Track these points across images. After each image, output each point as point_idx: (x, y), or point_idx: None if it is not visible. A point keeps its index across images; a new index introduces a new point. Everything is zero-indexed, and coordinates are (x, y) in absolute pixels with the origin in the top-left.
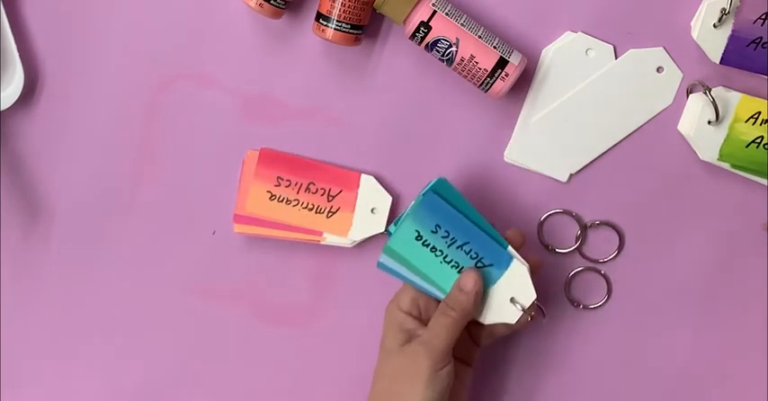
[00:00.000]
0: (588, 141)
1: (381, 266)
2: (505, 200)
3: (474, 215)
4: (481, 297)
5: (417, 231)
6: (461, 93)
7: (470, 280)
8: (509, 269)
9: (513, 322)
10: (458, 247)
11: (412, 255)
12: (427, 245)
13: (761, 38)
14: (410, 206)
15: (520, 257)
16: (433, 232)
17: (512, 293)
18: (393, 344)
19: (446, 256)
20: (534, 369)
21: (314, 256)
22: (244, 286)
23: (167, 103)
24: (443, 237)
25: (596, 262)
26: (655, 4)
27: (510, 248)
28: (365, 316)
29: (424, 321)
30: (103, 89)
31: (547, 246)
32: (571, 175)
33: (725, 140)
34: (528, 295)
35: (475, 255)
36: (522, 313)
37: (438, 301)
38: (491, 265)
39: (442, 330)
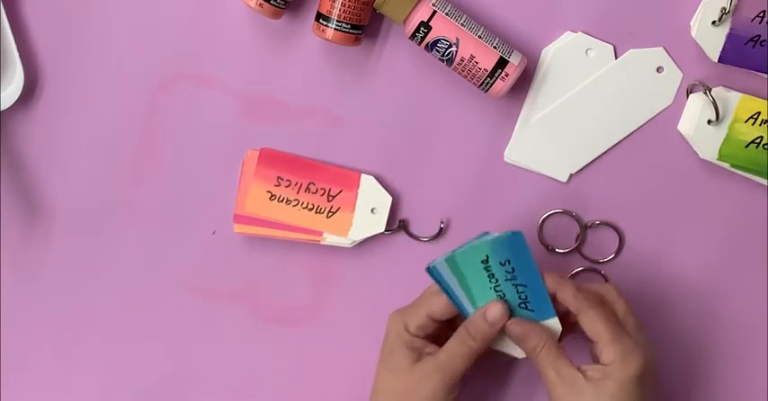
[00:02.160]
0: (588, 141)
1: (432, 270)
2: (505, 200)
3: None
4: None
5: (488, 256)
6: (461, 93)
7: (498, 312)
8: (545, 322)
9: (520, 357)
10: (513, 284)
11: (470, 273)
12: (488, 270)
13: (759, 35)
14: (491, 234)
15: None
16: (500, 264)
17: None
18: (402, 362)
19: (498, 286)
20: (534, 369)
21: (314, 256)
22: (244, 286)
23: (167, 103)
24: (507, 272)
25: (596, 262)
26: (654, 4)
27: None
28: (365, 315)
29: (431, 338)
30: (103, 89)
31: (547, 246)
32: (571, 175)
33: (724, 140)
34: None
35: (524, 297)
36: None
37: (449, 327)
38: (531, 311)
39: (459, 358)
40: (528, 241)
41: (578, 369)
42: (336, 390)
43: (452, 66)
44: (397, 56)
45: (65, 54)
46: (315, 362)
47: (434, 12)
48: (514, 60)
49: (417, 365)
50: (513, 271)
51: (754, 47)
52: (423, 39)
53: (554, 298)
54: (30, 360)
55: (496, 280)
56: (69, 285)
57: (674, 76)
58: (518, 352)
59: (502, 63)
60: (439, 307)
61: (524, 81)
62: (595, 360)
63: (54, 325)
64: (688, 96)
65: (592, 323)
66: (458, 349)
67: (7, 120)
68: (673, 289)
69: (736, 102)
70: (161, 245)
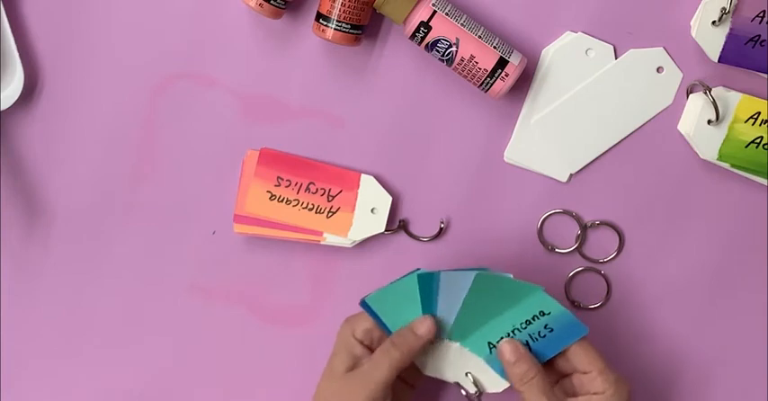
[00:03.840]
0: (588, 141)
1: (363, 304)
2: (505, 200)
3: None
4: (429, 343)
5: (550, 313)
6: (461, 93)
7: (425, 326)
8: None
9: (449, 381)
10: (527, 340)
11: (521, 306)
12: (535, 319)
13: (759, 35)
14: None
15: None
16: (545, 326)
17: (476, 373)
18: (338, 368)
19: (518, 329)
20: None
21: (314, 256)
22: (244, 286)
23: (167, 103)
24: (539, 333)
25: (596, 262)
26: (654, 4)
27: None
28: None
29: (373, 350)
30: (103, 89)
31: (547, 246)
32: (571, 175)
33: (724, 141)
34: (491, 386)
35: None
36: (454, 383)
37: None
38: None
39: (383, 367)
40: (528, 241)
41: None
42: None
43: (452, 67)
44: (397, 56)
45: (65, 54)
46: (314, 362)
47: (434, 12)
48: (514, 60)
49: (349, 373)
50: (543, 337)
51: (754, 47)
52: (423, 39)
53: None
54: (30, 360)
55: (524, 327)
56: (69, 285)
57: (674, 76)
58: (449, 377)
59: (502, 63)
60: None
61: (524, 81)
62: (578, 391)
63: (54, 326)
64: (688, 96)
65: (585, 352)
66: (381, 358)
67: (7, 120)
68: (672, 289)
69: (736, 102)
70: (161, 245)
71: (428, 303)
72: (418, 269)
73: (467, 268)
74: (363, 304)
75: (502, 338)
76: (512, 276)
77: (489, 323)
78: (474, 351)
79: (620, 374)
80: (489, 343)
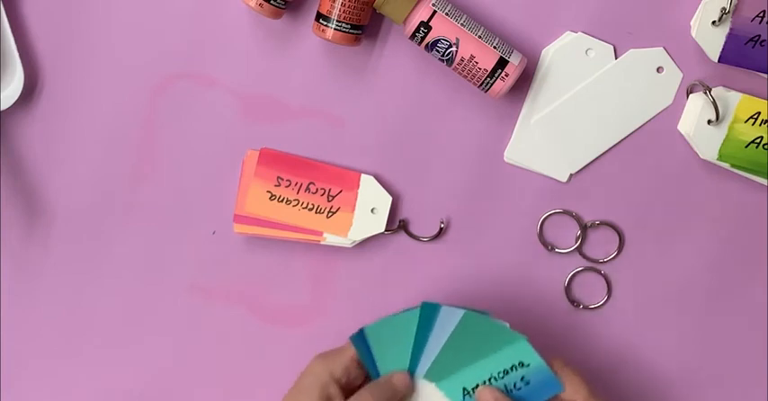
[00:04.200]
0: (588, 141)
1: (353, 339)
2: (505, 200)
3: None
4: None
5: (529, 365)
6: (461, 93)
7: (403, 381)
8: None
9: None
10: (501, 391)
11: (503, 354)
12: (513, 370)
13: (759, 35)
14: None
15: None
16: (522, 378)
17: None
18: None
19: (494, 378)
20: None
21: (314, 256)
22: (244, 286)
23: (167, 103)
24: (515, 384)
25: (596, 262)
26: (654, 4)
27: None
28: (365, 316)
29: (345, 390)
30: (103, 89)
31: (547, 246)
32: (571, 175)
33: (724, 141)
34: None
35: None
36: None
37: (367, 376)
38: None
39: None
40: (528, 241)
41: None
42: None
43: (452, 66)
44: (397, 56)
45: (65, 54)
46: None
47: (434, 12)
48: (514, 60)
49: None
50: (518, 390)
51: (754, 47)
52: (423, 39)
53: None
54: (30, 360)
55: (501, 376)
56: (69, 285)
57: (674, 76)
58: None
59: (502, 63)
60: None
61: (524, 81)
62: None
63: (54, 326)
64: (688, 96)
65: (570, 379)
66: None
67: (7, 120)
68: (673, 289)
69: (736, 102)
70: (161, 245)
71: (421, 338)
72: (425, 302)
73: (466, 307)
74: (359, 335)
75: (477, 385)
76: (508, 325)
77: (468, 367)
78: (448, 396)
79: (605, 399)
80: (464, 389)
